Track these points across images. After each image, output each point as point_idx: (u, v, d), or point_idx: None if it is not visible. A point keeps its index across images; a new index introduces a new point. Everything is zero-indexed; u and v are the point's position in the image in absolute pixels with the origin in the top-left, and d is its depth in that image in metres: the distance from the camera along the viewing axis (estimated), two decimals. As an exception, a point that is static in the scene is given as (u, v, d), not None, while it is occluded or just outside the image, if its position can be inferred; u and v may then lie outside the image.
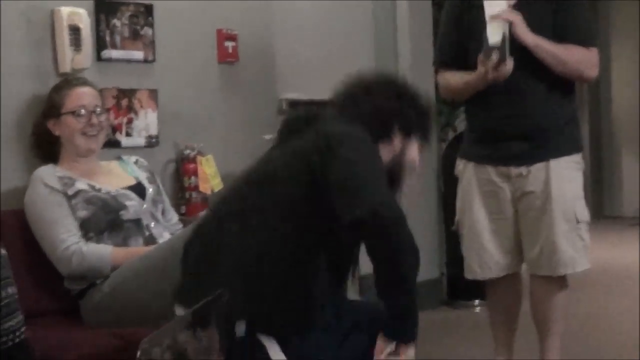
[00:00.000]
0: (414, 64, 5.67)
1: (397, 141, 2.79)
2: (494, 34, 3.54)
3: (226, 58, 4.66)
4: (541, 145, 3.66)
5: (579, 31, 3.70)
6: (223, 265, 2.54)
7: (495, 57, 3.52)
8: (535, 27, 3.59)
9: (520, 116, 3.67)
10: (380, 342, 2.55)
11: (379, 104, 2.78)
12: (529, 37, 3.56)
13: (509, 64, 3.52)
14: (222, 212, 2.71)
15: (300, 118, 2.85)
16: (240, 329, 2.45)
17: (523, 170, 3.68)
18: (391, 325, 2.54)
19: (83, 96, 3.69)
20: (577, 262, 3.74)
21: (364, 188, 2.46)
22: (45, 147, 3.70)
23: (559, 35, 3.63)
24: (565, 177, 3.70)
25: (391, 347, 2.52)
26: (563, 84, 3.73)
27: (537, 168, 3.66)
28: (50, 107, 3.67)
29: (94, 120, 3.69)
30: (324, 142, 2.58)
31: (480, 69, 3.56)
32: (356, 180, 2.49)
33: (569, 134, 3.79)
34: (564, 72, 3.65)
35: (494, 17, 3.56)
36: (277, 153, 2.74)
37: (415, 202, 5.75)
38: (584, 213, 3.77)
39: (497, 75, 3.54)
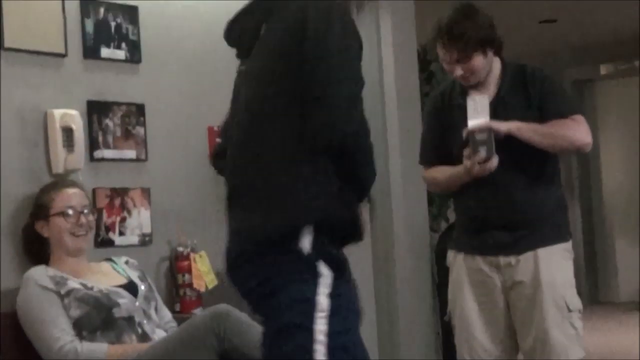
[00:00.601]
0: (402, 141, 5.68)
1: None
2: (481, 132, 3.59)
3: (218, 155, 4.69)
4: (529, 235, 3.68)
5: (559, 106, 3.73)
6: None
7: (483, 153, 3.56)
8: (519, 120, 3.65)
9: (506, 206, 3.71)
10: None
11: None
12: (509, 125, 3.60)
13: (495, 160, 3.57)
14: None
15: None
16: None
17: (512, 259, 3.69)
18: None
19: (71, 197, 3.73)
20: (570, 350, 3.73)
21: (340, 112, 2.52)
22: (36, 248, 3.71)
23: (543, 120, 3.68)
24: (554, 265, 3.71)
25: None
26: (548, 173, 3.77)
27: (526, 257, 3.68)
28: (38, 209, 3.70)
29: (82, 220, 3.73)
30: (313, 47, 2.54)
31: (466, 162, 3.60)
32: (332, 100, 2.52)
33: (557, 222, 3.82)
34: (555, 145, 3.69)
35: (478, 120, 3.64)
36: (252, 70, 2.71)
37: (410, 292, 5.76)
38: (575, 301, 3.77)
39: (483, 170, 3.58)
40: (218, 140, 3.16)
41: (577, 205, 11.41)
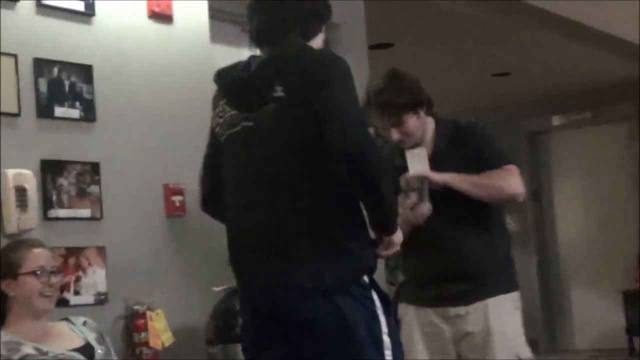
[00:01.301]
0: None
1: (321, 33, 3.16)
2: (416, 180, 3.66)
3: (174, 212, 4.68)
4: (478, 285, 3.73)
5: (491, 158, 3.80)
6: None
7: (413, 197, 3.62)
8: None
9: (455, 259, 3.75)
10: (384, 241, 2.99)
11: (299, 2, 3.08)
12: (444, 176, 3.65)
13: (426, 207, 3.61)
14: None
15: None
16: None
17: (461, 310, 3.74)
18: (387, 227, 2.98)
19: (41, 256, 3.69)
20: None
21: (353, 125, 2.80)
22: None
23: (479, 173, 3.73)
24: (504, 315, 3.76)
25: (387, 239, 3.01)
26: (493, 224, 3.83)
27: (476, 308, 3.72)
28: (6, 268, 3.63)
29: (53, 280, 3.69)
30: (312, 79, 2.86)
31: (399, 210, 3.63)
32: (346, 118, 2.81)
33: (504, 273, 3.87)
34: (488, 195, 3.74)
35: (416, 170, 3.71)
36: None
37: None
38: (525, 351, 3.83)
39: (416, 217, 3.62)
40: (203, 186, 3.31)
41: (533, 254, 11.52)
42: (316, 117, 2.82)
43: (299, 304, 2.85)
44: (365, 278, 2.90)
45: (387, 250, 3.02)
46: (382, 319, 2.87)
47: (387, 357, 2.85)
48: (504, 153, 3.88)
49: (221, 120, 3.07)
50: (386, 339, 2.86)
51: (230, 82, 3.07)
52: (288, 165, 2.90)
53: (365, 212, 2.94)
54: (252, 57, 3.06)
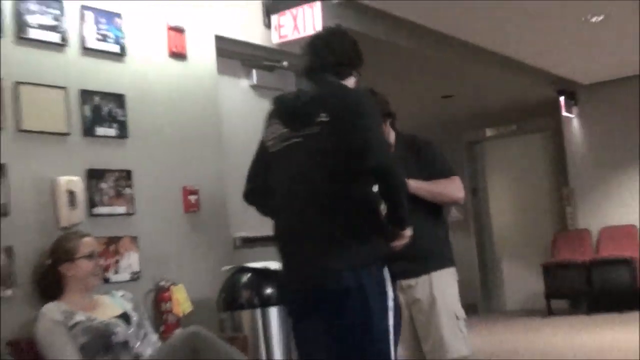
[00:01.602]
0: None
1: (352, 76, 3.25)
2: None
3: (190, 208, 4.69)
4: (424, 263, 3.75)
5: (442, 170, 3.82)
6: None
7: None
8: (412, 177, 3.73)
9: (410, 244, 3.77)
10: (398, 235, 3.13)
11: (339, 53, 3.19)
12: (411, 184, 3.67)
13: None
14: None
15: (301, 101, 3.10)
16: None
17: (412, 282, 3.76)
18: (398, 223, 3.10)
19: (91, 244, 3.73)
20: (459, 349, 3.82)
21: (382, 151, 3.01)
22: (52, 287, 3.66)
23: (429, 178, 3.77)
24: (445, 285, 3.79)
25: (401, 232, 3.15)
26: (437, 216, 3.86)
27: (423, 280, 3.74)
28: (64, 254, 3.65)
29: (101, 262, 3.73)
30: (347, 111, 3.00)
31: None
32: (375, 142, 2.99)
33: (444, 253, 3.90)
34: (437, 199, 3.78)
35: None
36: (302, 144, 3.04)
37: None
38: (461, 312, 3.87)
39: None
40: (249, 182, 3.32)
41: (473, 237, 11.53)
42: (349, 138, 2.96)
43: (335, 280, 2.94)
44: (380, 261, 3.03)
45: (400, 241, 3.14)
46: (389, 290, 3.02)
47: (389, 320, 2.99)
48: (450, 166, 3.93)
49: (274, 136, 3.13)
50: (390, 304, 3.01)
51: (285, 108, 3.15)
52: (325, 174, 2.99)
53: (383, 214, 3.10)
54: (300, 90, 3.15)
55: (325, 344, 3.02)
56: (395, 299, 3.08)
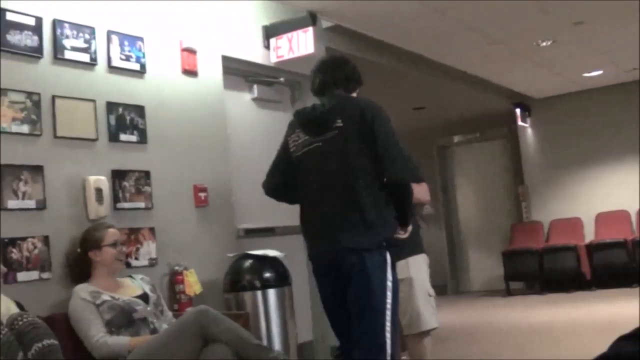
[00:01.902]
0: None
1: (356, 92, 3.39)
2: None
3: (200, 203, 4.68)
4: (402, 250, 3.79)
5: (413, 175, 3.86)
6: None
7: None
8: None
9: None
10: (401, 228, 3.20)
11: (346, 72, 3.32)
12: None
13: None
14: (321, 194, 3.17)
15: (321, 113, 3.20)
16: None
17: None
18: (402, 220, 3.18)
19: (115, 234, 3.73)
20: (431, 322, 3.87)
21: (400, 159, 3.10)
22: (82, 270, 3.67)
23: None
24: (419, 268, 3.84)
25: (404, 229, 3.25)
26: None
27: (401, 264, 3.77)
28: (92, 242, 3.66)
29: (123, 249, 3.73)
30: (369, 118, 3.09)
31: None
32: (394, 152, 3.09)
33: (418, 241, 3.94)
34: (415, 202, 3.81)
35: None
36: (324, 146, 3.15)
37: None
38: (432, 290, 3.93)
39: None
40: (269, 179, 3.41)
41: (443, 228, 11.56)
42: (363, 141, 3.07)
43: (346, 257, 3.08)
44: (384, 244, 3.11)
45: (405, 233, 3.24)
46: (389, 271, 3.09)
47: (388, 298, 3.06)
48: (419, 173, 3.97)
49: (297, 142, 3.24)
50: (389, 285, 3.08)
51: (305, 118, 3.26)
52: (345, 171, 3.09)
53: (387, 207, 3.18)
54: (315, 105, 3.26)
55: (338, 299, 3.17)
56: (394, 281, 3.12)
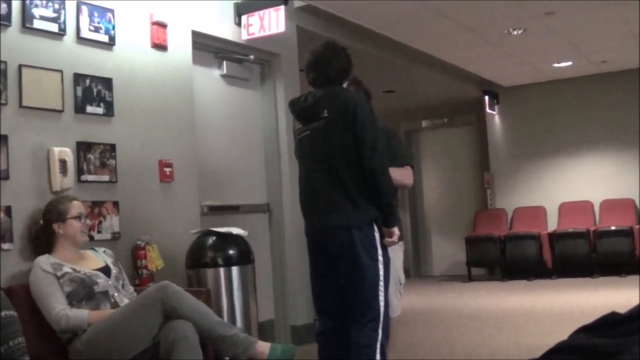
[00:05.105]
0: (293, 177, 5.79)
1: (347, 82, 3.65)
2: None
3: (165, 179, 4.70)
4: None
5: (398, 158, 3.90)
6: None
7: None
8: None
9: None
10: (385, 231, 3.40)
11: (336, 67, 3.52)
12: None
13: None
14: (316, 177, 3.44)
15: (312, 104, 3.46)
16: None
17: None
18: (387, 222, 3.39)
19: (80, 206, 3.73)
20: (397, 310, 3.93)
21: (374, 150, 3.31)
22: (45, 242, 3.67)
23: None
24: (394, 256, 3.88)
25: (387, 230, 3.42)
26: None
27: None
28: (56, 214, 3.65)
29: (87, 222, 3.74)
30: (352, 111, 3.34)
31: None
32: (370, 143, 3.31)
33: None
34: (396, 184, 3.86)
35: None
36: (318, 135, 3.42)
37: (297, 274, 5.83)
38: (403, 278, 3.98)
39: None
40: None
41: (407, 214, 11.61)
42: (346, 131, 3.33)
43: (337, 234, 3.35)
44: (372, 222, 3.35)
45: (390, 238, 3.43)
46: (378, 246, 3.36)
47: (380, 270, 3.34)
48: (405, 156, 3.99)
49: (296, 129, 3.59)
50: (380, 258, 3.36)
51: (298, 108, 3.54)
52: (331, 156, 3.36)
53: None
54: (308, 94, 3.52)
55: (329, 276, 3.43)
56: (385, 256, 3.40)
